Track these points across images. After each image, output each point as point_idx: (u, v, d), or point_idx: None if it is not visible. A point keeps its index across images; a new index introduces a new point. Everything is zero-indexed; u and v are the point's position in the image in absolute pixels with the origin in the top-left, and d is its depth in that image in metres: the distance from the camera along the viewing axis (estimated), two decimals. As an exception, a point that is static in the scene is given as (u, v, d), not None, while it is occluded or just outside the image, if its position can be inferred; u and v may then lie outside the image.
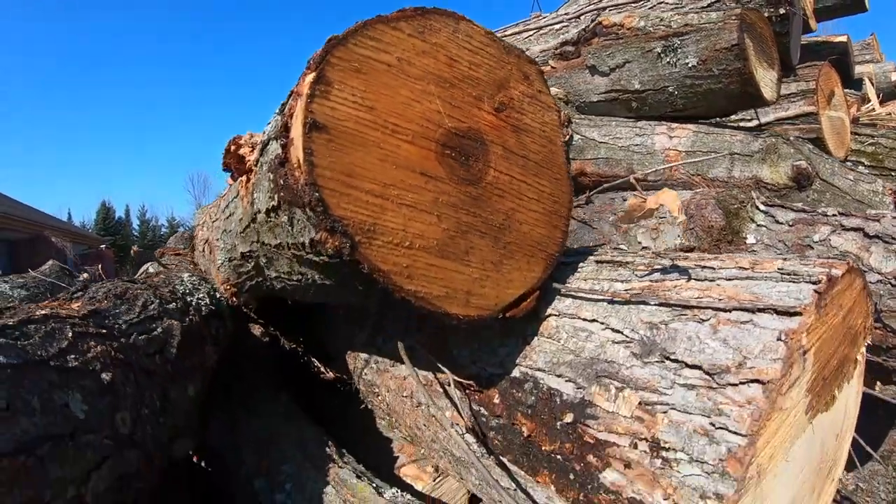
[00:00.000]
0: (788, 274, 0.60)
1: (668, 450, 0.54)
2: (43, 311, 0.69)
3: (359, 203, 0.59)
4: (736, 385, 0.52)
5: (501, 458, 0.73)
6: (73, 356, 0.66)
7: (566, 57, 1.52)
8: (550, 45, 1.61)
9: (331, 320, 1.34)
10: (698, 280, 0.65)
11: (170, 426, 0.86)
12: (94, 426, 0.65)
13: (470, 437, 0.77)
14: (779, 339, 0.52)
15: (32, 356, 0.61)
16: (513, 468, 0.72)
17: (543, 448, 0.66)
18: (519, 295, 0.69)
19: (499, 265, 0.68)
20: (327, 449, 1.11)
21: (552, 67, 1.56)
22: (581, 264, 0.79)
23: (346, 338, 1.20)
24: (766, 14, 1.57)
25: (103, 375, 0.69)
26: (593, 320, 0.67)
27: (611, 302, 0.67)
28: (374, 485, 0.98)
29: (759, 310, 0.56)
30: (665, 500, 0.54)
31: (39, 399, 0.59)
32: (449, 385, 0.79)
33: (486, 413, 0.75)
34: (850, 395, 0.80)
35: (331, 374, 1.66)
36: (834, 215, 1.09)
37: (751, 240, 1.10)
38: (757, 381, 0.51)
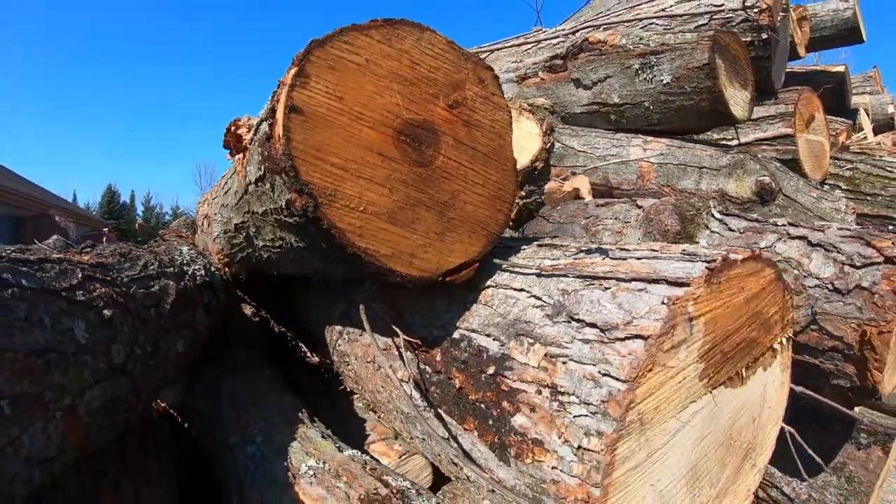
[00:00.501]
0: (689, 255, 0.71)
1: (563, 394, 0.65)
2: (57, 256, 0.85)
3: (324, 172, 0.73)
4: (622, 339, 0.63)
5: (438, 409, 0.84)
6: (80, 292, 0.81)
7: (555, 70, 1.67)
8: (543, 57, 1.76)
9: (314, 302, 1.47)
10: (614, 259, 0.76)
11: (158, 371, 1.00)
12: (93, 351, 0.79)
13: (416, 393, 0.89)
14: (663, 302, 0.63)
15: (48, 285, 0.75)
16: (447, 418, 0.83)
17: (470, 398, 0.77)
18: (459, 263, 0.81)
19: (442, 236, 0.80)
20: (300, 414, 1.23)
21: (541, 79, 1.70)
22: (525, 246, 0.91)
23: (326, 314, 1.33)
24: (749, 38, 1.70)
25: (105, 312, 0.84)
26: (521, 289, 0.79)
27: (538, 275, 0.79)
28: (337, 444, 1.10)
29: (654, 280, 0.67)
30: (559, 438, 0.65)
31: (50, 320, 0.73)
32: (401, 347, 0.91)
33: (429, 370, 0.87)
34: (768, 383, 0.88)
35: (316, 359, 1.79)
36: (783, 225, 1.18)
37: (703, 244, 1.20)
38: (639, 336, 0.62)
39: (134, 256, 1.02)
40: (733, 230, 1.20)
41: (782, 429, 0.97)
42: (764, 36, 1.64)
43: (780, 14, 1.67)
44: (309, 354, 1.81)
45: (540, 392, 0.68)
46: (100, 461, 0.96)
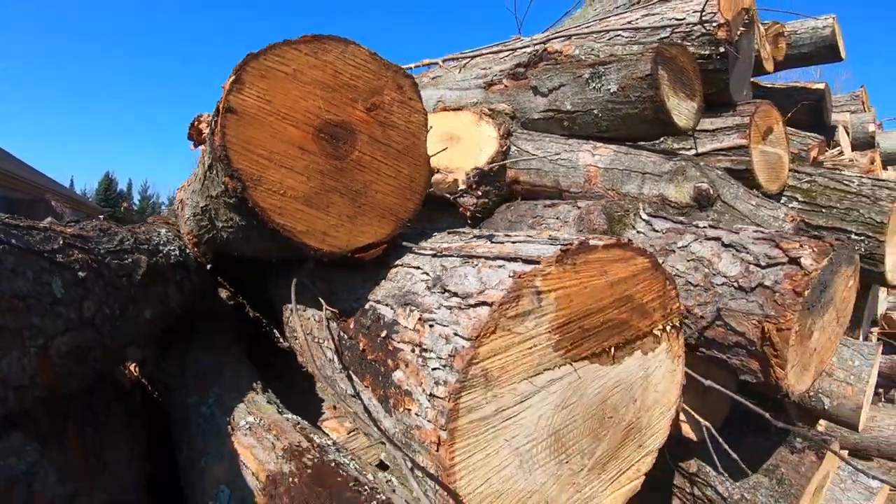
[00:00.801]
0: (552, 239, 0.85)
1: (426, 351, 0.79)
2: (43, 225, 1.05)
3: (251, 161, 0.91)
4: (473, 305, 0.76)
5: (349, 370, 0.99)
6: (60, 255, 1.01)
7: (517, 77, 1.82)
8: (509, 65, 1.92)
9: (275, 283, 1.66)
10: (496, 243, 0.90)
11: (125, 331, 1.19)
12: (66, 304, 0.98)
13: (336, 357, 1.05)
14: (510, 276, 0.77)
15: (33, 247, 0.95)
16: (354, 378, 0.98)
17: (368, 358, 0.93)
18: (368, 243, 0.97)
19: (353, 219, 0.97)
20: (254, 384, 1.41)
21: (505, 85, 1.86)
22: (436, 234, 1.06)
23: (283, 294, 1.51)
24: (707, 51, 1.80)
25: (80, 273, 1.03)
26: (417, 267, 0.93)
27: (433, 255, 0.94)
28: (279, 409, 1.27)
29: (512, 259, 0.80)
30: (420, 388, 0.79)
31: (33, 274, 0.93)
32: (328, 318, 1.07)
33: (345, 337, 1.02)
34: (653, 368, 0.97)
35: (286, 344, 1.97)
36: (703, 227, 1.28)
37: (628, 242, 1.31)
38: (485, 303, 0.75)
39: (112, 233, 1.23)
40: (657, 230, 1.31)
41: (718, 429, 1.06)
42: (721, 49, 1.75)
43: (741, 29, 1.78)
44: (280, 339, 1.99)
45: (413, 350, 0.82)
46: (70, 407, 1.15)
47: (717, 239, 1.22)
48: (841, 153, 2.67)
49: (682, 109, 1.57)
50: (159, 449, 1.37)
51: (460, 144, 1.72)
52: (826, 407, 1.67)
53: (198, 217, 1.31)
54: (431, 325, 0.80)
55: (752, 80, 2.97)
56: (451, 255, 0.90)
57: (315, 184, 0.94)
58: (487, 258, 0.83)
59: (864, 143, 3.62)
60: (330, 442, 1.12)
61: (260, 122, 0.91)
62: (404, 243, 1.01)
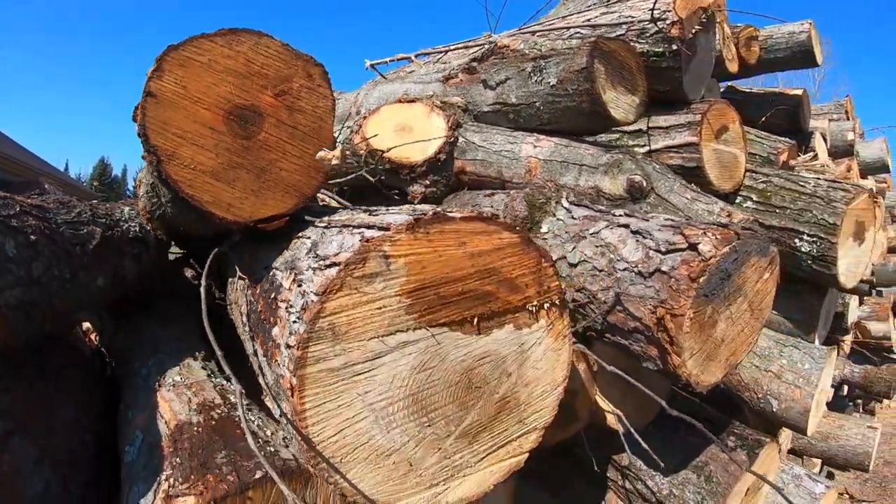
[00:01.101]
0: (414, 210, 0.95)
1: (291, 307, 0.91)
2: (3, 194, 1.25)
3: (166, 139, 1.06)
4: (327, 266, 0.88)
5: (254, 331, 1.13)
6: (14, 220, 1.20)
7: (471, 72, 1.93)
8: (465, 60, 2.04)
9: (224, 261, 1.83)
10: (373, 215, 1.02)
11: (75, 295, 1.37)
12: (17, 263, 1.17)
13: (246, 321, 1.19)
14: (359, 240, 0.88)
15: (-11, 212, 1.15)
16: (255, 338, 1.11)
17: (262, 317, 1.06)
18: (271, 215, 1.11)
19: (258, 193, 1.11)
20: (196, 353, 1.57)
21: (460, 79, 1.97)
22: (342, 210, 1.19)
23: (230, 270, 1.67)
24: (660, 49, 1.86)
25: (31, 237, 1.22)
26: (309, 237, 1.06)
27: (325, 227, 1.07)
28: (209, 373, 1.42)
29: (369, 226, 0.91)
30: (282, 338, 0.91)
31: (-14, 235, 1.12)
32: (246, 286, 1.22)
33: (253, 301, 1.16)
34: (530, 344, 1.02)
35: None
36: (619, 215, 1.35)
37: (544, 229, 1.39)
38: (335, 263, 0.86)
39: (71, 206, 1.43)
40: (575, 218, 1.38)
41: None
42: (674, 47, 1.81)
43: (697, 28, 1.83)
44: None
45: (286, 308, 0.94)
46: (24, 366, 1.33)
47: (626, 226, 1.28)
48: (815, 158, 2.64)
49: (620, 103, 1.64)
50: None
51: (412, 135, 1.84)
52: (775, 409, 1.66)
53: (149, 194, 1.49)
54: (299, 285, 0.93)
55: (731, 84, 2.98)
56: (335, 226, 1.02)
57: (223, 160, 1.09)
58: (354, 226, 0.95)
59: (843, 150, 3.64)
60: (246, 402, 1.26)
61: (176, 105, 1.07)
62: (307, 217, 1.14)
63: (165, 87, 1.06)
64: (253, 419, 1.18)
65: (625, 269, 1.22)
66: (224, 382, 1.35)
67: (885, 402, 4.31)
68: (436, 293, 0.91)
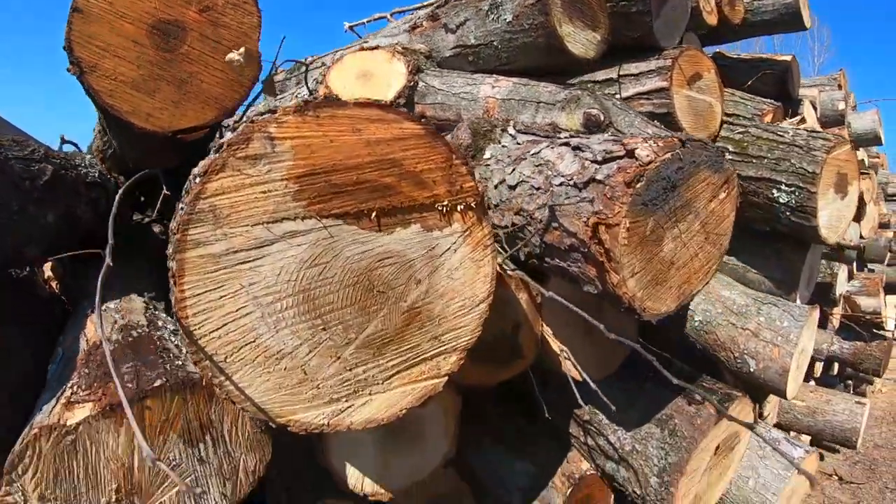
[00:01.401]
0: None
1: (184, 198, 0.94)
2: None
3: (90, 52, 1.13)
4: (217, 150, 0.90)
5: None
6: (-37, 152, 1.29)
7: (434, 18, 1.96)
8: (431, 8, 2.07)
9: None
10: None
11: (24, 227, 1.45)
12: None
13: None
14: (246, 121, 0.90)
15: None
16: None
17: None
18: (190, 126, 1.16)
19: (177, 104, 1.15)
20: (146, 292, 1.62)
21: (424, 27, 2.00)
22: (265, 127, 1.22)
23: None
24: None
25: (-22, 166, 1.31)
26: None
27: (236, 122, 1.10)
28: (149, 307, 1.46)
29: (262, 113, 0.94)
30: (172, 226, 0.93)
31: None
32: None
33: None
34: (440, 249, 0.91)
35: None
36: (564, 136, 1.32)
37: (487, 155, 1.38)
38: (219, 146, 0.88)
39: (25, 144, 1.52)
40: (519, 143, 1.36)
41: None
42: (640, -12, 1.78)
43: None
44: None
45: (181, 201, 0.97)
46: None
47: (566, 144, 1.26)
48: (802, 122, 2.53)
49: (578, 38, 1.62)
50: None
51: (372, 81, 1.88)
52: (752, 369, 1.55)
53: (100, 133, 1.58)
54: (194, 177, 0.95)
55: (719, 50, 2.91)
56: (243, 122, 1.05)
57: (144, 72, 1.14)
58: (252, 115, 0.97)
59: (833, 120, 3.53)
60: (172, 326, 1.29)
61: (101, 19, 1.14)
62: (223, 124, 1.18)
63: (91, 2, 1.13)
64: (173, 339, 1.21)
65: (560, 184, 1.19)
66: (160, 315, 1.39)
67: (877, 385, 4.04)
68: (326, 180, 0.85)
